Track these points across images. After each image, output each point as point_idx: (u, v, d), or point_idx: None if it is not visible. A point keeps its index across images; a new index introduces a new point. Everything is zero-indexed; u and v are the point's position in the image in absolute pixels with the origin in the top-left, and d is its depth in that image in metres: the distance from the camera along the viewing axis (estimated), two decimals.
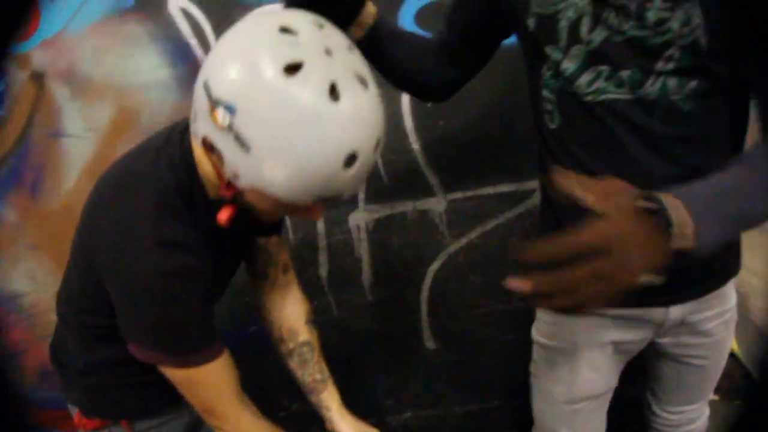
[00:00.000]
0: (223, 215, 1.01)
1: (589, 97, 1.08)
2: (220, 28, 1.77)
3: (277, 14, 0.95)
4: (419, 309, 1.94)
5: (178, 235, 1.01)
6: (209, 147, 0.93)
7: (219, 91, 0.88)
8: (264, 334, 1.45)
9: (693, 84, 1.02)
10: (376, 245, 1.88)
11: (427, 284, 1.92)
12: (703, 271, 1.19)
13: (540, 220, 1.38)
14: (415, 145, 1.81)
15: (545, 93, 1.15)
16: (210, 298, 1.15)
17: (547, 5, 1.08)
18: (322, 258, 1.88)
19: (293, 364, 1.39)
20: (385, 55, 1.21)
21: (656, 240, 0.74)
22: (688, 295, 1.24)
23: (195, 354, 1.06)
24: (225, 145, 0.90)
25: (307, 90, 0.85)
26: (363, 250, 1.88)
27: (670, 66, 1.01)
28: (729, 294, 1.31)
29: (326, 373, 1.39)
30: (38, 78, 1.88)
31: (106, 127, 1.86)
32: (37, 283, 1.98)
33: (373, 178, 1.83)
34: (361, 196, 1.85)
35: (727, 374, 1.46)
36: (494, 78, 1.70)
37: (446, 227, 1.88)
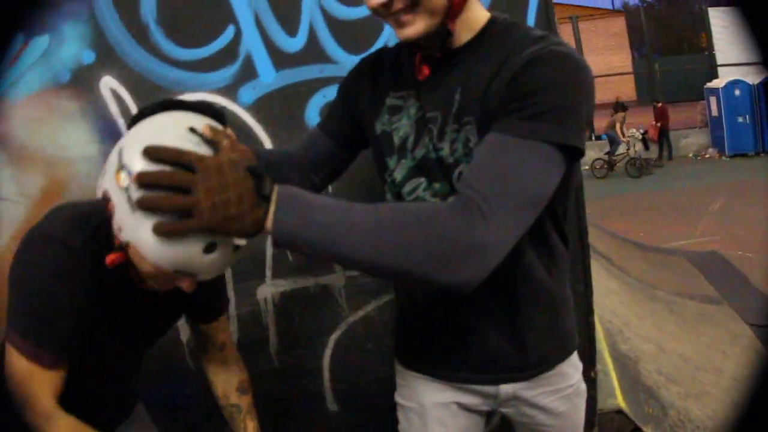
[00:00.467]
0: (110, 258, 1.14)
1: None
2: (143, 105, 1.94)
3: (187, 113, 1.12)
4: (322, 374, 2.12)
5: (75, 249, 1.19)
6: (107, 200, 1.10)
7: (126, 159, 1.05)
8: None
9: None
10: (281, 316, 2.06)
11: (329, 352, 2.10)
12: (527, 357, 1.33)
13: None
14: None
15: (387, 195, 1.36)
16: (91, 331, 1.26)
17: (387, 123, 1.31)
18: (232, 326, 2.05)
19: (226, 417, 1.61)
20: None
21: (248, 202, 0.94)
22: (515, 377, 1.35)
23: (40, 349, 1.18)
24: (119, 201, 1.05)
25: None
26: (269, 320, 2.06)
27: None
28: (566, 372, 1.40)
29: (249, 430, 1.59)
30: None
31: (36, 195, 1.99)
32: None
33: (279, 255, 2.01)
34: (269, 272, 2.02)
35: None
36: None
37: (345, 301, 2.06)
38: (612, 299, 3.94)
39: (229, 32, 1.96)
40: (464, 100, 1.19)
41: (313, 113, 2.00)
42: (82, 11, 1.93)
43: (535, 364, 1.35)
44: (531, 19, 2.00)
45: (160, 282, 1.17)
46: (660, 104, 15.07)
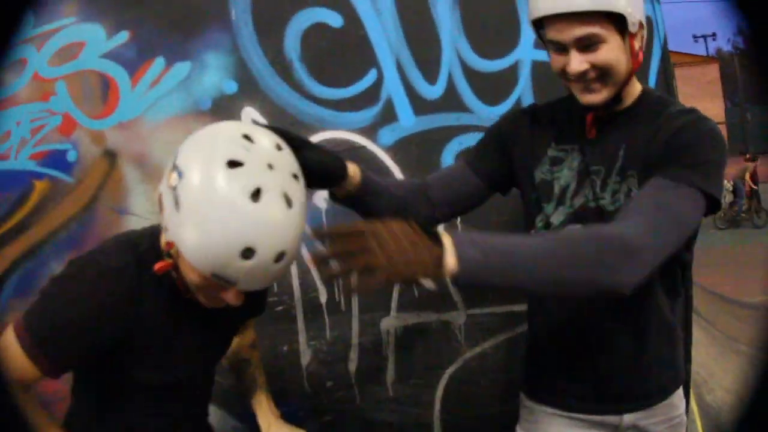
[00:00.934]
0: (158, 265, 1.21)
1: None
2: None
3: (251, 125, 1.22)
4: (433, 406, 2.19)
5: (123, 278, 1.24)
6: (160, 202, 1.18)
7: (180, 160, 1.14)
8: None
9: None
10: (401, 348, 2.15)
11: (443, 384, 2.18)
12: (650, 387, 1.47)
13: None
14: None
15: None
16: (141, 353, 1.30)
17: (548, 173, 1.46)
18: (353, 354, 2.15)
19: (236, 375, 1.72)
20: (369, 209, 1.47)
21: (423, 245, 1.04)
22: (638, 406, 1.48)
23: (36, 348, 1.20)
24: (167, 200, 1.14)
25: (235, 184, 1.07)
26: (390, 351, 2.15)
27: None
28: (676, 404, 1.53)
29: (259, 382, 1.70)
30: (111, 156, 2.16)
31: None
32: None
33: (405, 291, 2.11)
34: (394, 304, 2.13)
35: None
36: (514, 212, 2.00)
37: (464, 337, 2.14)
38: (699, 350, 3.93)
39: (372, 75, 2.09)
40: (628, 156, 1.37)
41: (448, 159, 2.10)
42: (225, 42, 2.09)
43: (654, 393, 1.48)
44: (652, 82, 2.07)
45: (207, 295, 1.22)
46: (749, 155, 14.64)
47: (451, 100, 2.10)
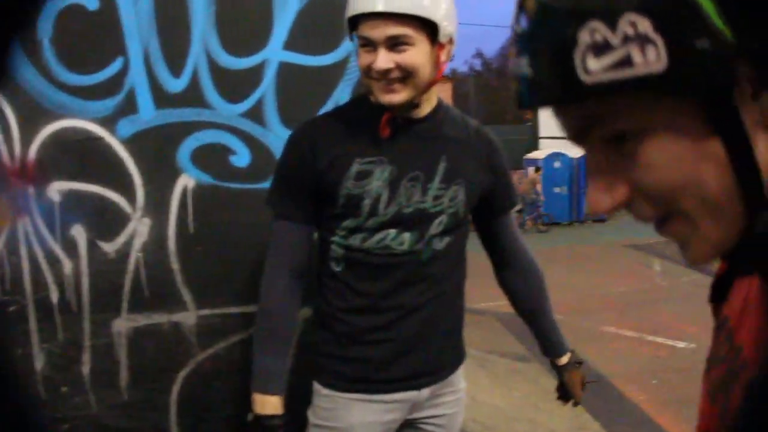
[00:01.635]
0: None
1: (377, 250, 1.58)
2: (26, 130, 2.02)
3: None
4: (169, 409, 2.15)
5: None
6: None
7: None
8: None
9: (448, 239, 1.63)
10: (133, 350, 2.13)
11: (177, 388, 2.14)
12: (442, 361, 1.70)
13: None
14: (175, 265, 2.11)
15: (334, 247, 1.62)
16: None
17: (354, 187, 1.55)
18: (85, 357, 2.13)
19: None
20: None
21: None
22: (434, 379, 1.68)
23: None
24: None
25: None
26: (122, 354, 2.13)
27: (440, 228, 1.59)
28: (460, 377, 1.78)
29: None
30: None
31: None
32: None
33: (135, 290, 2.11)
34: (125, 305, 2.11)
35: None
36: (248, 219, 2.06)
37: (196, 338, 2.13)
38: None
39: (118, 63, 2.05)
40: (451, 168, 1.59)
41: (184, 154, 2.11)
42: None
43: (447, 367, 1.72)
44: None
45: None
46: None
47: (193, 95, 2.09)
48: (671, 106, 0.51)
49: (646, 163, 0.53)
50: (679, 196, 0.53)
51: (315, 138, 1.60)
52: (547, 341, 1.89)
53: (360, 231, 1.57)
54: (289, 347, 1.70)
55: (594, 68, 0.49)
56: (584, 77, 0.50)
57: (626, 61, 0.48)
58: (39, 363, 2.13)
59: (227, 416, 2.14)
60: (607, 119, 0.53)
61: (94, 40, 2.06)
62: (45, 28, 2.05)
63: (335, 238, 1.61)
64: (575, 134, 0.57)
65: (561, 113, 0.57)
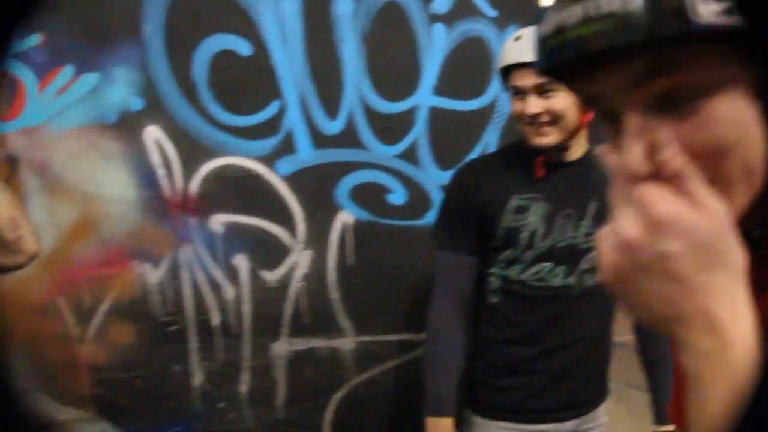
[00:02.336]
0: None
1: (533, 282, 1.65)
2: (187, 166, 2.11)
3: None
4: (321, 429, 2.26)
5: None
6: None
7: None
8: None
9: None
10: (291, 372, 2.21)
11: (331, 408, 2.25)
12: (587, 396, 1.75)
13: None
14: (334, 295, 2.17)
15: (492, 279, 1.69)
16: None
17: (513, 221, 1.63)
18: (244, 376, 2.21)
19: None
20: None
21: None
22: (578, 413, 1.74)
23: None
24: None
25: None
26: (280, 375, 2.21)
27: (591, 264, 1.62)
28: (602, 412, 1.81)
29: None
30: (12, 161, 2.12)
31: (67, 226, 2.12)
32: None
33: (295, 317, 2.17)
34: (284, 330, 2.18)
35: None
36: (404, 254, 2.09)
37: (352, 363, 2.21)
38: None
39: (275, 106, 2.13)
40: (602, 208, 1.62)
41: (343, 192, 2.17)
42: (135, 58, 2.08)
43: (592, 402, 1.77)
44: None
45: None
46: None
47: (349, 137, 2.16)
48: (741, 64, 0.51)
49: (708, 119, 0.52)
50: (727, 157, 0.52)
51: (477, 175, 1.70)
52: (656, 403, 1.84)
53: (518, 263, 1.65)
54: (457, 371, 1.75)
55: (703, 12, 0.48)
56: (694, 17, 0.48)
57: (731, 11, 0.47)
58: (197, 379, 2.20)
59: None
60: (673, 72, 0.52)
61: (249, 83, 2.12)
62: (201, 71, 2.10)
63: (494, 270, 1.69)
64: (620, 90, 0.55)
65: (618, 67, 0.54)
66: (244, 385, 2.22)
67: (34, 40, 2.11)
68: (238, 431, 2.24)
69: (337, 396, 2.24)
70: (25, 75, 2.12)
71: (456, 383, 1.72)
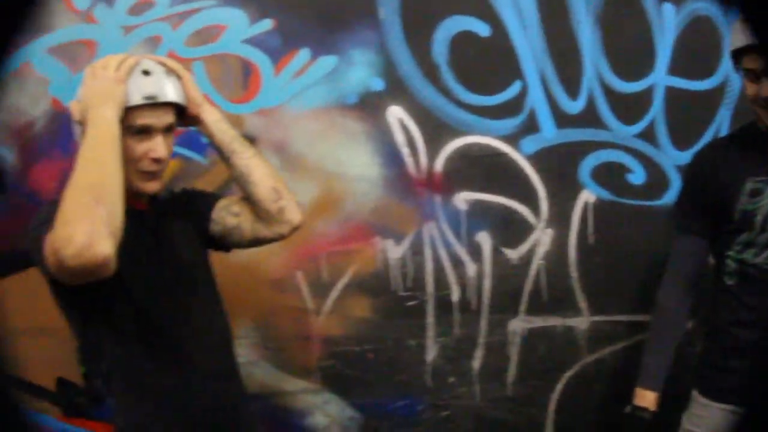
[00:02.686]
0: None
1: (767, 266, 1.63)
2: (431, 145, 2.12)
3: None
4: (548, 407, 2.28)
5: None
6: None
7: None
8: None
9: None
10: (525, 349, 2.23)
11: (559, 387, 2.26)
12: None
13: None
14: (574, 273, 2.17)
15: (728, 261, 1.68)
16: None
17: (748, 204, 1.61)
18: (478, 353, 2.22)
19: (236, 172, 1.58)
20: None
21: None
22: None
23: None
24: None
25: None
26: (513, 352, 2.23)
27: None
28: None
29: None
30: (250, 141, 2.13)
31: (309, 204, 2.14)
32: None
33: (534, 294, 2.19)
34: (522, 307, 2.20)
35: None
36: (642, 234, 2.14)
37: (585, 342, 2.23)
38: None
39: (516, 86, 2.13)
40: None
41: (585, 171, 2.17)
42: (372, 40, 2.09)
43: None
44: None
45: (143, 168, 1.37)
46: None
47: (590, 116, 2.15)
48: None
49: None
50: None
51: (714, 158, 1.71)
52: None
53: (753, 246, 1.65)
54: (672, 350, 1.79)
55: None
56: None
57: None
58: (431, 354, 2.22)
59: (602, 420, 2.27)
60: None
61: (489, 64, 2.12)
62: (441, 52, 2.10)
63: (731, 253, 1.68)
64: None
65: None
66: (476, 361, 2.23)
67: (266, 24, 2.12)
68: (465, 407, 2.26)
69: (567, 375, 2.26)
70: (259, 59, 2.13)
71: (668, 361, 1.78)
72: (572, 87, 2.15)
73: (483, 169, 2.15)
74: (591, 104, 2.15)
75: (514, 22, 2.11)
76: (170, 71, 1.45)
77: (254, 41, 2.12)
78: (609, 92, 2.16)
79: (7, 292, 2.27)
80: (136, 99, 1.37)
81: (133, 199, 1.39)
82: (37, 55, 2.18)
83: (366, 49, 2.10)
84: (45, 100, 2.18)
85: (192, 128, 1.67)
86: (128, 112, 1.36)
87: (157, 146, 1.38)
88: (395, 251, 2.16)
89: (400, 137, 2.13)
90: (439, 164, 2.14)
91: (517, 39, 2.12)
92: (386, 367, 2.24)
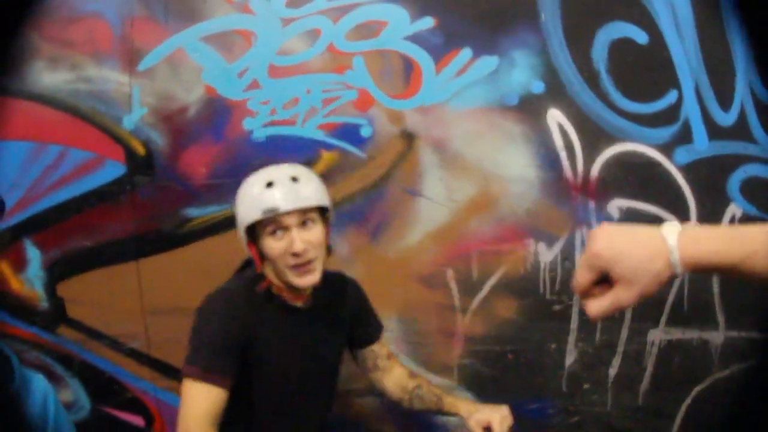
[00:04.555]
0: (261, 286, 1.62)
1: None
2: (588, 150, 2.15)
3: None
4: (675, 420, 2.31)
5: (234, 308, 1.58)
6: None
7: None
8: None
9: None
10: (660, 360, 2.26)
11: (688, 401, 2.30)
12: None
13: None
14: (716, 288, 2.23)
15: None
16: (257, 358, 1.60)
17: None
18: (615, 361, 2.25)
19: (417, 405, 1.84)
20: None
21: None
22: None
23: (193, 367, 1.51)
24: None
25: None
26: (649, 362, 2.26)
27: None
28: None
29: (440, 390, 1.83)
30: (409, 137, 2.20)
31: (464, 202, 2.18)
32: None
33: (676, 306, 2.22)
34: (663, 318, 2.24)
35: None
36: None
37: (718, 357, 2.27)
38: None
39: (673, 95, 2.17)
40: None
41: (734, 185, 2.20)
42: (533, 42, 2.15)
43: None
44: None
45: (287, 261, 1.54)
46: None
47: (741, 129, 2.18)
48: None
49: None
50: None
51: None
52: None
53: None
54: None
55: None
56: None
57: None
58: (569, 359, 2.25)
59: None
60: None
61: (646, 71, 2.17)
62: (601, 58, 2.16)
63: None
64: None
65: None
66: (613, 369, 2.26)
67: (427, 22, 2.17)
68: (596, 414, 2.29)
69: (697, 389, 2.29)
70: (420, 56, 2.18)
71: None
72: (725, 99, 2.18)
73: (637, 177, 2.19)
74: (743, 117, 2.18)
75: (672, 31, 2.16)
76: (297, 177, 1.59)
77: (415, 38, 2.17)
78: (760, 106, 2.18)
79: (145, 273, 2.26)
80: (256, 215, 1.54)
81: (293, 294, 1.64)
82: (191, 42, 2.21)
83: (527, 51, 2.16)
84: (198, 87, 2.22)
85: (349, 121, 2.05)
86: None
87: (294, 242, 1.53)
88: (546, 255, 2.20)
89: (558, 141, 2.17)
90: (596, 170, 2.18)
91: (673, 48, 2.16)
92: (525, 369, 2.26)
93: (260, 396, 1.64)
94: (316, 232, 1.57)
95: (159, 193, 2.25)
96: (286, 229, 1.54)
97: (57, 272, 2.32)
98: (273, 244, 1.55)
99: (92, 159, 2.27)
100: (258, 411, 1.65)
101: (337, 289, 1.80)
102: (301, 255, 1.53)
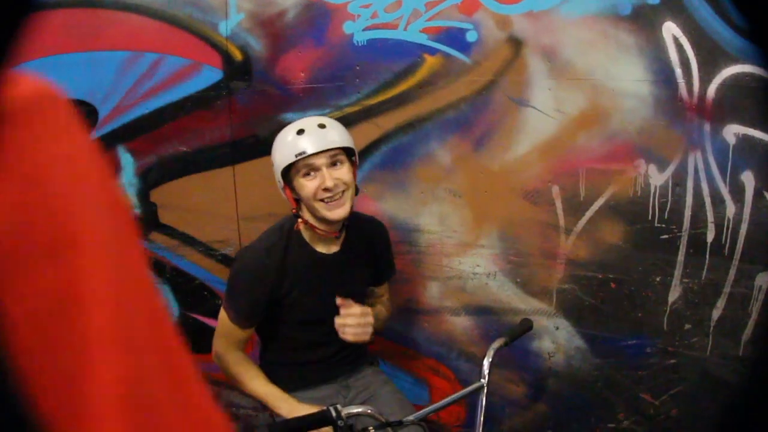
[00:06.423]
0: (296, 226, 1.80)
1: None
2: (705, 68, 2.00)
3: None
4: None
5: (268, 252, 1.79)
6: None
7: None
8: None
9: None
10: (765, 306, 2.10)
11: None
12: None
13: None
14: None
15: None
16: (280, 296, 1.81)
17: None
18: (720, 302, 2.09)
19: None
20: None
21: None
22: None
23: (226, 310, 1.80)
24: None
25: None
26: (754, 308, 2.11)
27: None
28: None
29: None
30: (516, 44, 2.06)
31: (574, 114, 2.04)
32: (442, 226, 2.15)
33: None
34: None
35: None
36: None
37: None
38: None
39: None
40: None
41: None
42: None
43: None
44: None
45: (321, 198, 1.71)
46: None
47: None
48: None
49: None
50: None
51: None
52: None
53: None
54: None
55: None
56: None
57: None
58: (673, 295, 2.09)
59: None
60: None
61: None
62: None
63: None
64: None
65: None
66: (717, 311, 2.10)
67: None
68: (694, 358, 2.12)
69: None
70: None
71: None
72: None
73: (756, 102, 2.01)
74: None
75: None
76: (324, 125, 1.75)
77: None
78: None
79: (240, 179, 2.26)
80: (290, 158, 1.71)
81: (326, 227, 1.79)
82: None
83: None
84: None
85: (454, 25, 2.01)
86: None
87: (325, 179, 1.70)
88: (657, 178, 2.06)
89: (674, 56, 2.03)
90: (712, 90, 2.03)
91: None
92: (626, 301, 2.09)
93: (291, 324, 1.87)
94: (344, 171, 1.74)
95: (256, 98, 2.19)
96: (317, 169, 1.71)
97: (150, 179, 2.29)
98: (306, 183, 1.72)
99: (188, 65, 2.22)
100: (289, 333, 1.89)
101: (367, 232, 1.95)
102: (331, 189, 1.70)
